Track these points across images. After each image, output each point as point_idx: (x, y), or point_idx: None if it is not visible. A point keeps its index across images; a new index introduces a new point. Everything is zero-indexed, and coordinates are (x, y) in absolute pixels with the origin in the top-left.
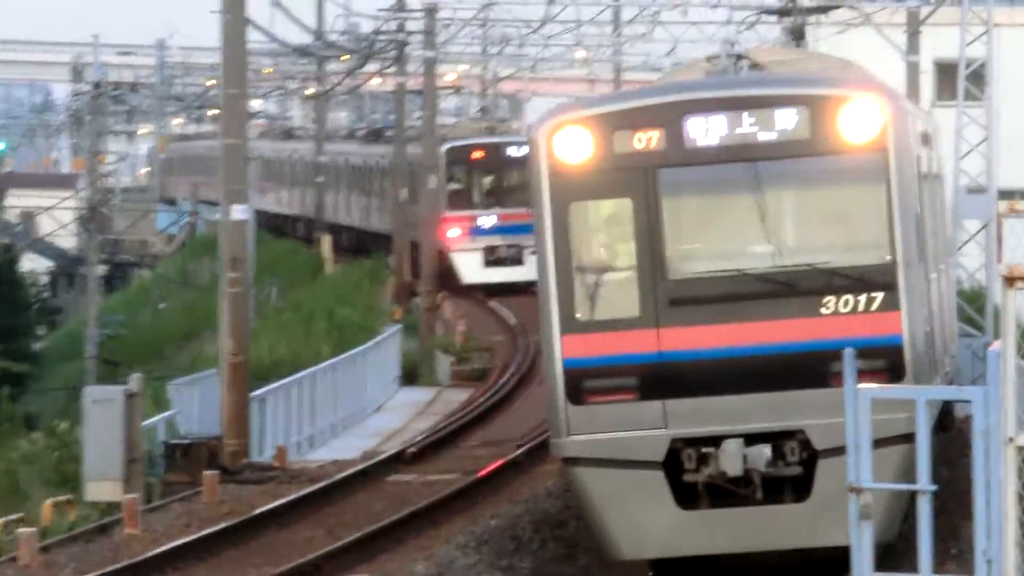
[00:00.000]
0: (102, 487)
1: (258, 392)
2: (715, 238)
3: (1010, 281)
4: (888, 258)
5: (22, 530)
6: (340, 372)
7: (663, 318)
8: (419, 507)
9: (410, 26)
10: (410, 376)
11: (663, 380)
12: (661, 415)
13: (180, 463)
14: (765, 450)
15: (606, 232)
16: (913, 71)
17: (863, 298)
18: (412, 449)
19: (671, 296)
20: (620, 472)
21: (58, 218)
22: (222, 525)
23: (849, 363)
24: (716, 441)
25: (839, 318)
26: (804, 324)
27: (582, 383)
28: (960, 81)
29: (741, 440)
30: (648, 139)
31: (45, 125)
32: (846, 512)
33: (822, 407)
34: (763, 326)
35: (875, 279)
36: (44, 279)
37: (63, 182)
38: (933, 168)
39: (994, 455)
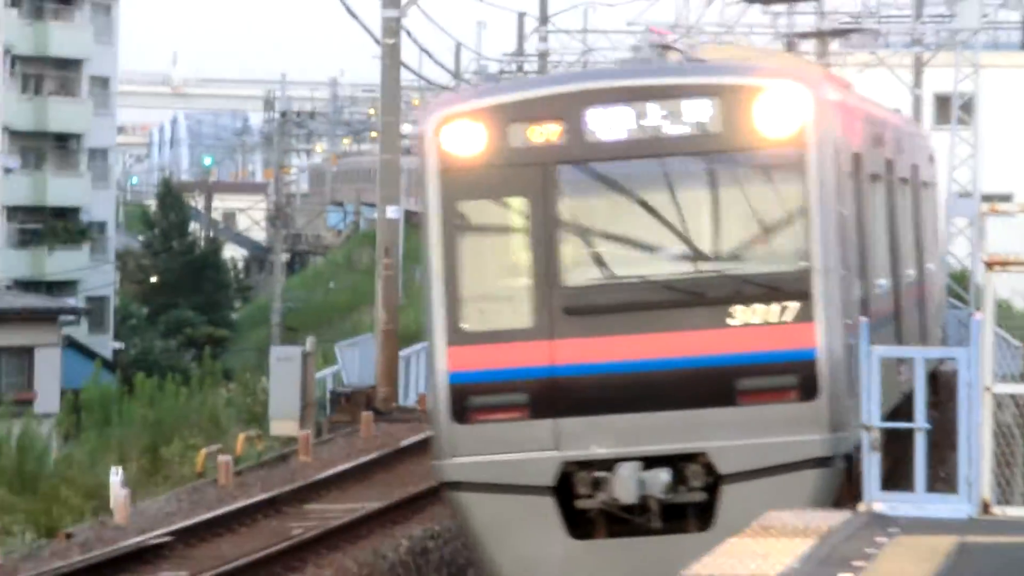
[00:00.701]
0: (283, 424)
1: (404, 352)
2: (616, 242)
3: (990, 266)
4: (803, 264)
5: (221, 457)
6: None
7: (557, 329)
8: None
9: (527, 67)
10: None
11: (556, 397)
12: (553, 435)
13: (343, 407)
14: (662, 475)
15: (498, 234)
16: (917, 102)
17: (775, 308)
18: None
19: (566, 305)
20: (507, 498)
21: (252, 216)
22: (375, 455)
23: (864, 333)
24: (612, 464)
25: (748, 329)
26: (710, 336)
27: (468, 399)
28: (953, 110)
29: (637, 464)
30: (546, 133)
31: (243, 144)
32: None
33: (727, 428)
34: (665, 338)
35: (788, 287)
36: (240, 264)
37: (256, 189)
38: (899, 172)
39: (975, 401)
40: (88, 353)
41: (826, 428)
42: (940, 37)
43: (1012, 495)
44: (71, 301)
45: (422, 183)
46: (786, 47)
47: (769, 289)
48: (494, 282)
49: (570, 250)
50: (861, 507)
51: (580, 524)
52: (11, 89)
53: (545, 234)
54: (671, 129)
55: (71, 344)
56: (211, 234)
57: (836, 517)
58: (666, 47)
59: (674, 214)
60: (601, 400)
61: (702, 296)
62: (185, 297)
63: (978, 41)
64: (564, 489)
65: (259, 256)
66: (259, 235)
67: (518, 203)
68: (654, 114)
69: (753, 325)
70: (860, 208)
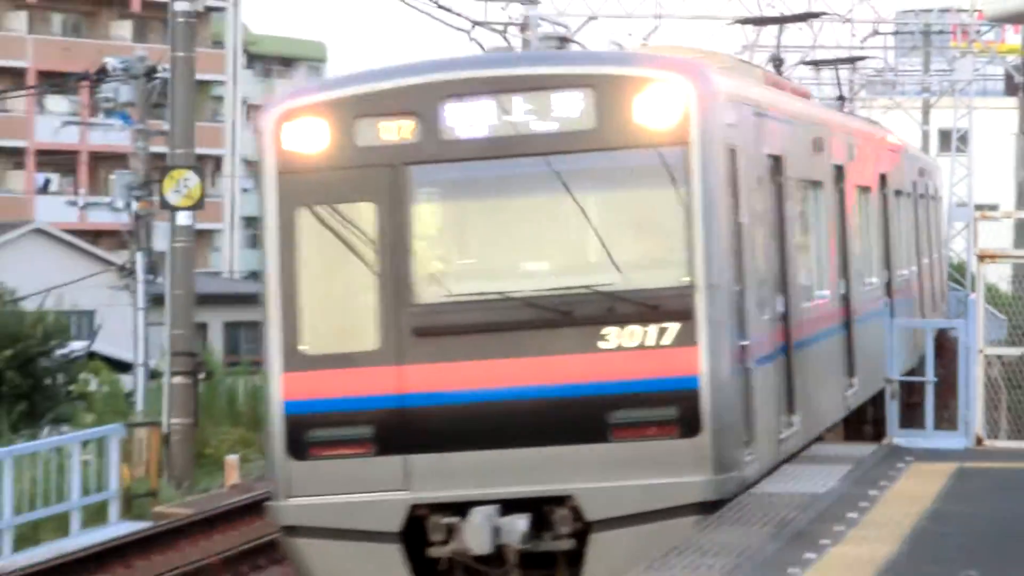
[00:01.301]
0: None
1: None
2: (475, 253)
3: (981, 258)
4: (685, 280)
5: None
6: None
7: (407, 352)
8: None
9: None
10: None
11: (405, 430)
12: (401, 474)
13: None
14: (520, 522)
15: (343, 244)
16: (926, 136)
17: (652, 329)
18: None
19: (418, 325)
20: (349, 545)
21: None
22: None
23: (885, 309)
24: (467, 508)
25: (621, 354)
26: (578, 362)
27: (306, 433)
28: (953, 141)
29: (493, 508)
30: (398, 129)
31: None
32: None
33: (597, 467)
34: (529, 364)
35: (668, 306)
36: None
37: None
38: (855, 180)
39: (971, 360)
40: None
41: (710, 468)
42: (943, 86)
43: (998, 431)
44: None
45: (260, 187)
46: (773, 66)
47: (647, 308)
48: (337, 299)
49: (422, 263)
50: (884, 441)
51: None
52: (247, 130)
53: (394, 244)
54: (539, 125)
55: None
56: None
57: (865, 449)
58: (565, 40)
59: (540, 222)
60: (456, 434)
61: (571, 316)
62: None
63: (971, 89)
64: (414, 536)
65: None
66: None
67: (365, 209)
68: (519, 108)
69: (628, 349)
70: (781, 217)
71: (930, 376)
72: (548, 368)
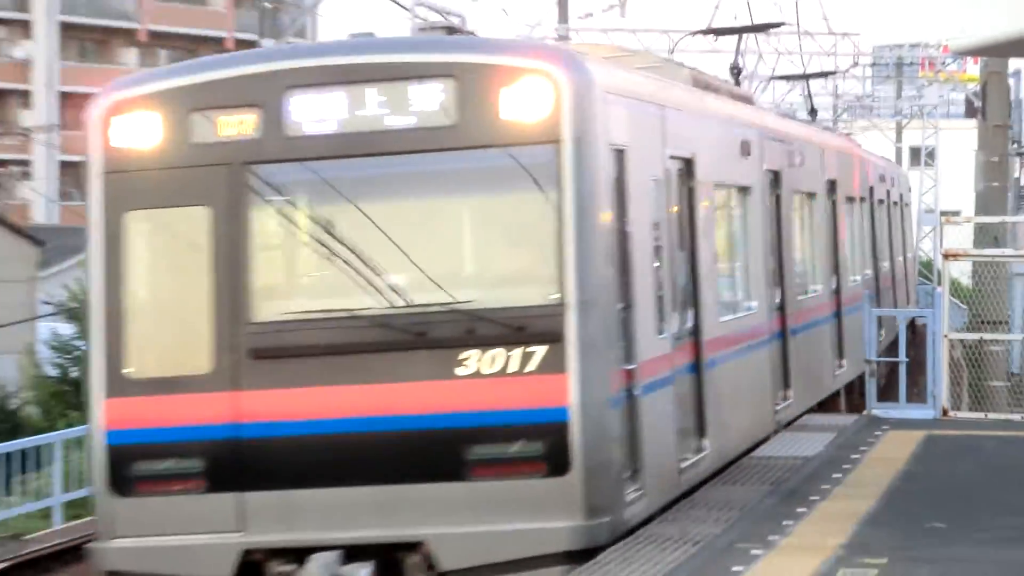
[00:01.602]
0: None
1: None
2: (320, 265)
3: (946, 257)
4: (554, 297)
5: None
6: None
7: (243, 377)
8: None
9: None
10: None
11: (239, 464)
12: (234, 514)
13: None
14: (363, 571)
15: (175, 254)
16: (898, 153)
17: (517, 353)
18: None
19: (255, 346)
20: None
21: None
22: None
23: (866, 301)
24: (309, 553)
25: (482, 381)
26: (433, 389)
27: (130, 466)
28: (922, 157)
29: (335, 555)
30: (238, 124)
31: None
32: None
33: (453, 509)
34: (378, 391)
35: (534, 327)
36: None
37: None
38: (796, 186)
39: (938, 343)
40: None
41: (580, 512)
42: (913, 110)
43: (961, 404)
44: None
45: (87, 188)
46: (732, 75)
47: (510, 329)
48: (167, 316)
49: (261, 276)
50: (864, 413)
51: None
52: None
53: (231, 255)
54: (394, 120)
55: None
56: None
57: (848, 419)
58: (453, 29)
59: (394, 230)
60: (296, 470)
61: (425, 337)
62: None
63: (938, 112)
64: None
65: None
66: None
67: (200, 214)
68: (373, 101)
69: (489, 375)
70: (691, 224)
71: (902, 357)
72: (399, 396)
